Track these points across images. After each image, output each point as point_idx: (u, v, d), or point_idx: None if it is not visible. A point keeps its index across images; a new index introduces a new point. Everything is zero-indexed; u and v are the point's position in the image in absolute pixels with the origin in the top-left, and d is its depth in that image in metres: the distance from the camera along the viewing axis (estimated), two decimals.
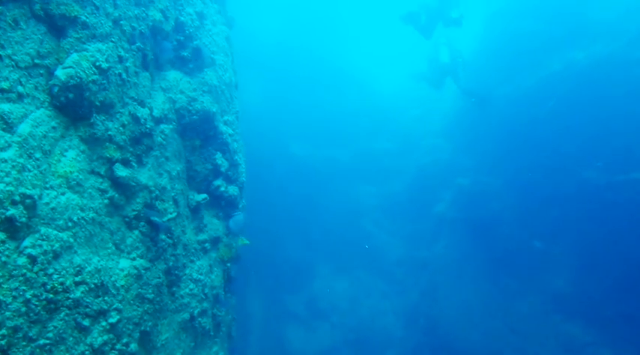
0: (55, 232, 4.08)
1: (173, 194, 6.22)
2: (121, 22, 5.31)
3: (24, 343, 3.67)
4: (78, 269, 4.27)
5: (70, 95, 4.41)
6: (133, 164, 5.37)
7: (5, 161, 3.66)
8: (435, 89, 15.93)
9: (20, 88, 4.02)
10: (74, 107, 4.52)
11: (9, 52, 3.95)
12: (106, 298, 4.62)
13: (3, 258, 3.56)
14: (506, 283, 14.87)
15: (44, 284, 3.89)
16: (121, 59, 5.21)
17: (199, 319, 6.78)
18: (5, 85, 3.88)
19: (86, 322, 4.33)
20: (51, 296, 3.94)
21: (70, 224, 4.27)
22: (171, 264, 6.06)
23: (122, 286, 4.91)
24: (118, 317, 4.75)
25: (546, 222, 14.02)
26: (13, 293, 3.62)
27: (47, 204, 4.05)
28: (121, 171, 5.07)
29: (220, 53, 8.30)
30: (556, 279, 13.69)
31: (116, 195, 5.03)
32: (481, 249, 15.66)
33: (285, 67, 21.45)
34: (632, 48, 12.41)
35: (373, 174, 20.20)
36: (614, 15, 13.04)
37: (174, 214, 6.18)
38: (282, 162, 19.79)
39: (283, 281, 18.18)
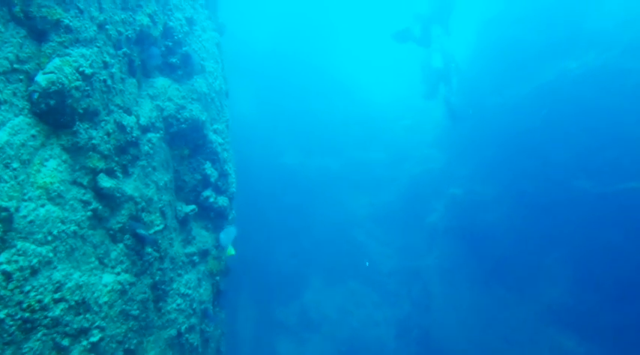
0: (33, 247, 3.84)
1: (160, 205, 5.99)
2: (107, 26, 5.11)
3: None
4: (57, 285, 4.04)
5: (52, 102, 4.19)
6: (118, 174, 5.15)
7: None
8: (428, 100, 15.87)
9: None
10: (55, 114, 4.29)
11: None
12: (87, 316, 4.38)
13: None
14: (500, 294, 14.76)
15: (20, 303, 3.65)
16: (106, 65, 5.00)
17: (187, 335, 6.52)
18: None
19: (65, 342, 4.09)
20: (27, 315, 3.70)
21: (49, 238, 4.03)
22: (157, 278, 5.82)
23: (105, 302, 4.67)
24: (100, 335, 4.51)
25: (540, 232, 13.94)
26: None
27: (25, 216, 3.82)
28: (105, 182, 4.84)
29: (210, 60, 8.11)
30: (550, 290, 13.60)
31: (100, 207, 4.80)
32: (474, 259, 15.55)
33: (277, 74, 21.34)
34: (625, 58, 12.42)
35: (365, 184, 20.07)
36: (608, 25, 13.08)
37: (162, 226, 5.95)
38: (273, 172, 19.63)
39: (274, 293, 17.98)
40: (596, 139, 12.78)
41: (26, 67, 4.12)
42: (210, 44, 8.31)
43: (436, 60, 14.63)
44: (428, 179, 18.41)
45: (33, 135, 4.07)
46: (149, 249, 5.59)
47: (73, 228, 4.37)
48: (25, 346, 3.68)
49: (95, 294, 4.55)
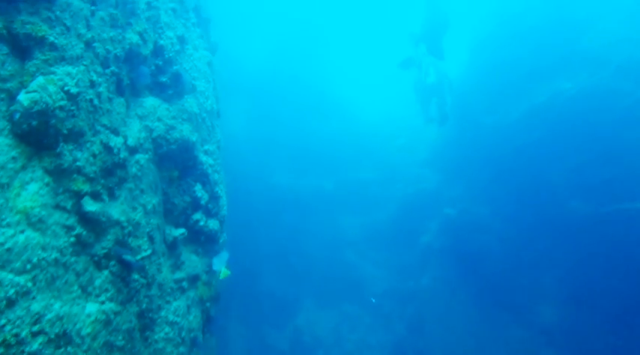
0: (11, 276, 3.60)
1: (148, 229, 5.75)
2: (95, 44, 4.94)
3: None
4: (36, 317, 3.78)
5: (34, 122, 3.99)
6: (104, 197, 4.92)
7: None
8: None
9: None
10: (38, 135, 4.09)
11: None
12: (68, 349, 4.11)
13: None
14: (495, 315, 14.59)
15: None
16: (93, 84, 4.81)
17: None
18: None
19: None
20: (1, 350, 3.44)
21: (28, 266, 3.79)
22: (144, 306, 5.55)
23: (88, 334, 4.40)
24: None
25: (534, 253, 13.84)
26: None
27: (2, 244, 3.60)
28: (90, 206, 4.61)
29: (202, 79, 7.95)
30: (545, 311, 13.49)
31: (84, 232, 4.56)
32: (469, 281, 15.39)
33: (270, 94, 21.28)
34: (617, 78, 12.47)
35: (358, 204, 19.92)
36: (600, 45, 13.15)
37: (149, 251, 5.70)
38: (266, 192, 19.43)
39: (266, 316, 17.66)
40: (590, 159, 12.77)
41: (8, 85, 3.96)
42: (201, 63, 8.17)
43: (429, 77, 14.66)
44: (421, 199, 18.31)
45: (13, 157, 3.87)
46: (136, 276, 5.34)
47: (55, 255, 4.13)
48: None
49: (77, 325, 4.28)
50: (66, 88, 4.32)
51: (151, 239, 5.80)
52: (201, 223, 7.20)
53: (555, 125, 13.49)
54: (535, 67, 14.33)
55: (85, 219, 4.59)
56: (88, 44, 4.83)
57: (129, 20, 5.90)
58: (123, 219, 5.17)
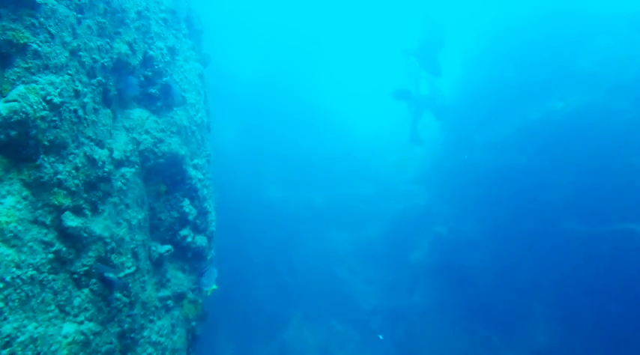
0: None
1: (132, 246, 5.53)
2: (80, 53, 4.76)
3: None
4: (7, 340, 3.55)
5: (13, 133, 3.80)
6: (87, 212, 4.71)
7: None
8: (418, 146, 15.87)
9: None
10: (17, 146, 3.90)
11: None
12: None
13: None
14: (486, 336, 14.41)
15: None
16: (77, 94, 4.63)
17: None
18: None
19: None
20: None
21: (0, 285, 3.56)
22: (126, 326, 5.31)
23: None
24: None
25: (527, 273, 13.71)
26: None
27: None
28: (71, 221, 4.40)
29: (192, 91, 7.79)
30: (537, 333, 13.32)
31: (64, 249, 4.34)
32: (459, 300, 15.23)
33: (262, 108, 21.20)
34: (610, 97, 12.46)
35: (349, 220, 19.80)
36: (593, 64, 13.15)
37: (133, 269, 5.47)
38: (256, 207, 19.25)
39: (254, 332, 17.34)
40: (583, 179, 12.71)
41: None
42: (192, 75, 8.01)
43: (422, 87, 14.66)
44: (412, 216, 18.22)
45: None
46: (118, 294, 5.11)
47: (31, 272, 3.90)
48: None
49: (53, 347, 4.04)
50: (48, 98, 4.13)
51: (135, 255, 5.58)
52: (189, 239, 6.99)
53: (548, 144, 13.44)
54: (529, 85, 14.30)
55: (65, 234, 4.37)
56: (74, 53, 4.65)
57: (118, 29, 5.73)
58: (106, 234, 4.95)
